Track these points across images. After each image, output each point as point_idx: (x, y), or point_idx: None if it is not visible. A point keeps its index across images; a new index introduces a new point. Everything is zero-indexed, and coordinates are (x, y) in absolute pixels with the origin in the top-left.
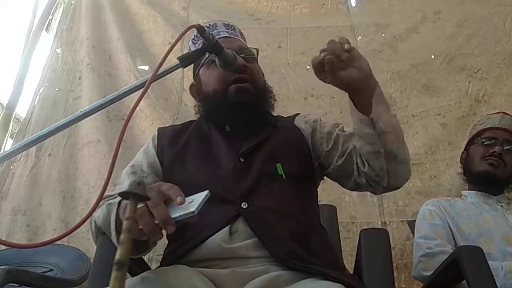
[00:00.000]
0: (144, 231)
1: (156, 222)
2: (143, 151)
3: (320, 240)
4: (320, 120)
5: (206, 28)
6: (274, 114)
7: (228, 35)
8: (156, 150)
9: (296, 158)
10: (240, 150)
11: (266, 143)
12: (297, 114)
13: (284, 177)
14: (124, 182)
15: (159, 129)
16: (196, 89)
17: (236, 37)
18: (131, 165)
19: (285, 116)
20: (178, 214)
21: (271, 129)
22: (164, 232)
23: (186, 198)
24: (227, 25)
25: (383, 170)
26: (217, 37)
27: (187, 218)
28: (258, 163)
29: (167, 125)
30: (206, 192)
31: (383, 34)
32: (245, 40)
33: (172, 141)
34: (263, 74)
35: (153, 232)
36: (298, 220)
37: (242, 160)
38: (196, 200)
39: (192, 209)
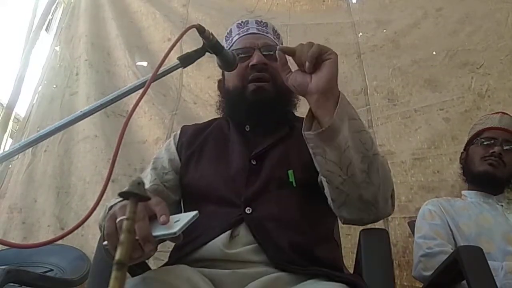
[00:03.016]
0: None
1: (136, 237)
2: (165, 147)
3: (325, 252)
4: None
5: (239, 25)
6: None
7: (256, 32)
8: (176, 147)
9: (311, 165)
10: (253, 151)
11: (280, 145)
12: None
13: (295, 185)
14: (147, 176)
15: (182, 127)
16: (221, 85)
17: (265, 34)
18: (154, 160)
19: None
20: (159, 233)
21: (288, 130)
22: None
23: (173, 217)
24: (259, 22)
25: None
26: (245, 33)
27: (168, 238)
28: (268, 167)
29: (166, 121)
30: (194, 212)
31: (384, 30)
32: (278, 38)
33: (191, 139)
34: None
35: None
36: (301, 231)
37: (254, 163)
38: (182, 220)
39: (174, 230)
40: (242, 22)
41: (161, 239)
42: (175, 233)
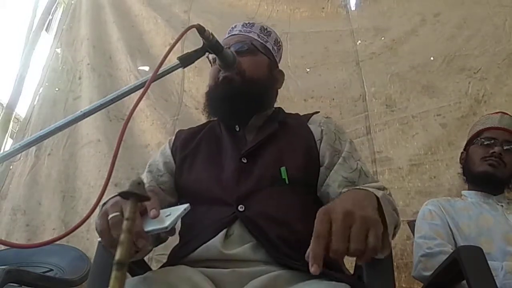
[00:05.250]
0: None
1: None
2: (161, 151)
3: None
4: (332, 129)
5: (229, 30)
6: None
7: (237, 33)
8: (171, 150)
9: (303, 162)
10: (243, 150)
11: (271, 142)
12: (315, 113)
13: (287, 182)
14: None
15: (177, 132)
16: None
17: (246, 33)
18: (149, 163)
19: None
20: (151, 228)
21: (277, 126)
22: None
23: (164, 210)
24: (245, 24)
25: None
26: (228, 36)
27: (160, 232)
28: (260, 165)
29: (167, 125)
30: (185, 205)
31: (383, 38)
32: (269, 35)
33: (185, 142)
34: (268, 67)
35: None
36: (293, 228)
37: (245, 161)
38: (173, 213)
39: (165, 225)
40: (233, 26)
41: (155, 234)
42: (166, 227)
